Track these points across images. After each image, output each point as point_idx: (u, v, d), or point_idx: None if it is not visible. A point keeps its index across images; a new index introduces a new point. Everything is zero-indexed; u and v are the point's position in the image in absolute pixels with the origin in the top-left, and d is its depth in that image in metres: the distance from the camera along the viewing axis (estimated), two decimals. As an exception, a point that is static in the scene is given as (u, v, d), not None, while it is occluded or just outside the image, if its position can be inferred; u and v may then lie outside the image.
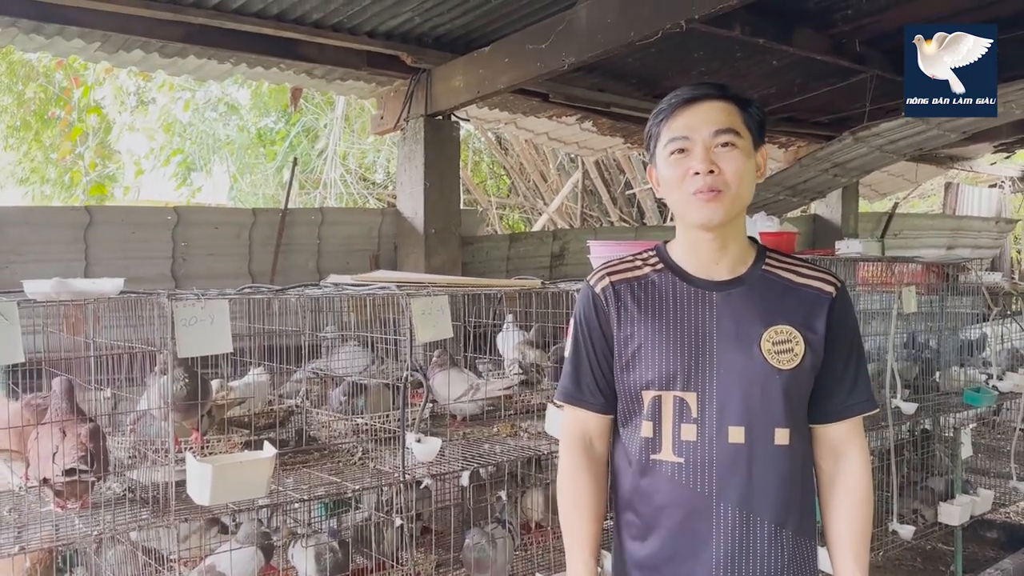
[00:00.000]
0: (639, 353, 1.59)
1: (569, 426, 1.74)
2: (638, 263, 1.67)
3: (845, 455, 1.63)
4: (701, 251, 1.61)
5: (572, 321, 1.74)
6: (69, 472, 2.12)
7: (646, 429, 1.59)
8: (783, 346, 1.53)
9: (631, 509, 1.65)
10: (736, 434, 1.53)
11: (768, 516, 1.54)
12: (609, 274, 1.66)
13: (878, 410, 1.66)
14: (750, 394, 1.53)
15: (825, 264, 3.64)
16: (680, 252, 1.64)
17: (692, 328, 1.57)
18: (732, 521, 1.53)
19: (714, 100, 1.57)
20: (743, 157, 1.54)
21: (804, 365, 1.54)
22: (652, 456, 1.58)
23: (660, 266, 1.64)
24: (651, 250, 1.69)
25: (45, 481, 2.18)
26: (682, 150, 1.55)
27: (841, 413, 1.61)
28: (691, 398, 1.55)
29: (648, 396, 1.59)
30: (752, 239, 1.67)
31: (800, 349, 1.54)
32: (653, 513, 1.60)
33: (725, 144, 1.53)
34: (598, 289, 1.65)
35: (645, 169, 8.33)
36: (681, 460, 1.55)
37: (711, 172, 1.51)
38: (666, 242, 1.69)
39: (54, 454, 2.14)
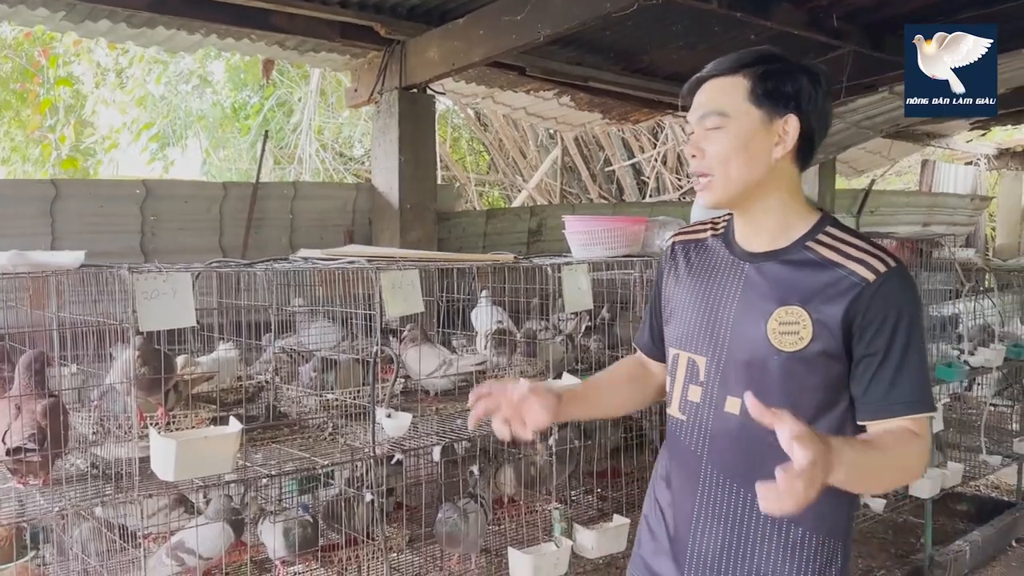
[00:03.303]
0: (674, 312, 1.69)
1: None
2: (708, 227, 1.73)
3: None
4: (741, 223, 1.63)
5: None
6: (16, 451, 2.08)
7: (667, 383, 1.70)
8: (789, 327, 1.48)
9: (662, 447, 1.78)
10: (732, 405, 1.54)
11: (753, 491, 1.48)
12: (679, 234, 1.77)
13: (932, 414, 1.49)
14: (751, 369, 1.52)
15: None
16: (736, 221, 1.67)
17: (718, 294, 1.60)
18: (716, 486, 1.58)
19: (715, 79, 1.56)
20: (730, 138, 1.51)
21: (810, 351, 1.46)
22: (668, 409, 1.69)
23: (721, 231, 1.69)
24: (727, 216, 1.70)
25: (-4, 458, 2.14)
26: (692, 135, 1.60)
27: (877, 412, 1.47)
28: (701, 362, 1.59)
29: (671, 353, 1.68)
30: (821, 210, 1.61)
31: (807, 333, 1.47)
32: (665, 457, 1.74)
33: (711, 127, 1.54)
34: (666, 247, 1.79)
35: (624, 145, 8.32)
36: (684, 418, 1.63)
37: (694, 156, 1.55)
38: None
39: (5, 432, 2.09)
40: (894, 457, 1.42)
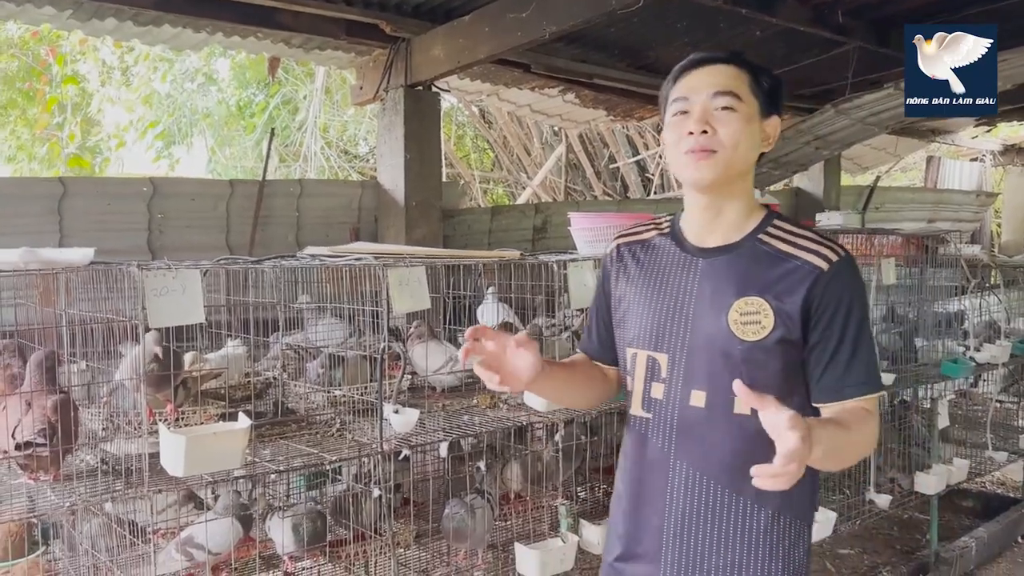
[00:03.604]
0: (628, 312, 1.68)
1: None
2: (651, 227, 1.73)
3: None
4: (697, 216, 1.63)
5: None
6: (25, 445, 2.10)
7: (628, 383, 1.69)
8: (750, 317, 1.52)
9: (623, 452, 1.75)
10: (698, 398, 1.56)
11: (723, 482, 1.56)
12: (621, 236, 1.76)
13: (880, 394, 1.57)
14: (714, 362, 1.55)
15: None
16: (685, 218, 1.68)
17: (674, 292, 1.61)
18: (686, 480, 1.58)
19: (721, 64, 1.58)
20: (741, 121, 1.54)
21: (771, 339, 1.51)
22: (630, 409, 1.68)
23: (667, 230, 1.70)
24: (670, 216, 1.73)
25: (5, 453, 2.16)
26: (684, 112, 1.57)
27: (834, 395, 1.53)
28: (663, 359, 1.60)
29: (629, 353, 1.67)
30: (765, 206, 1.66)
31: (768, 322, 1.51)
32: (629, 459, 1.70)
33: (724, 107, 1.54)
34: (609, 250, 1.77)
35: (629, 142, 8.35)
36: (649, 416, 1.63)
37: (704, 132, 1.53)
38: (683, 210, 1.72)
39: (16, 427, 2.11)
40: (855, 435, 1.48)
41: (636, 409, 1.66)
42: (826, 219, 4.06)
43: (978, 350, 4.49)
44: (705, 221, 1.62)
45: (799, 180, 8.58)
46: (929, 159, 12.07)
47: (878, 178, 10.16)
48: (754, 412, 1.50)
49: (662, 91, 1.66)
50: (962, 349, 4.50)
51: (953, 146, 10.80)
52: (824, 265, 1.52)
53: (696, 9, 4.95)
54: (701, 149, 1.53)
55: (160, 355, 2.39)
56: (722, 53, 1.60)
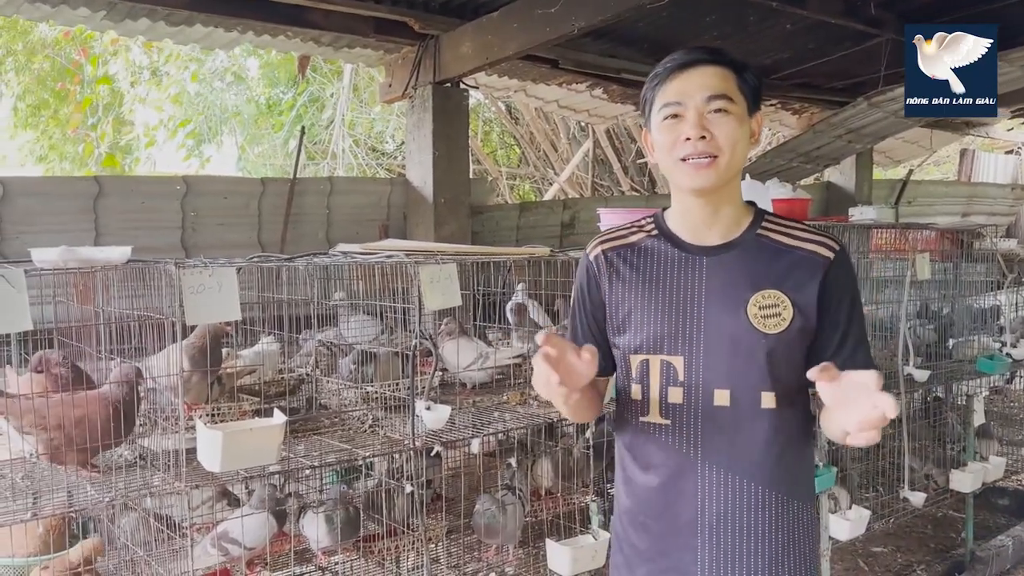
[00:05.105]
0: (629, 318, 1.62)
1: None
2: (634, 230, 1.69)
3: None
4: (693, 216, 1.61)
5: (573, 289, 1.78)
6: None
7: (635, 392, 1.62)
8: (770, 310, 1.52)
9: (624, 467, 1.69)
10: (721, 397, 1.54)
11: (754, 479, 1.55)
12: (603, 242, 1.70)
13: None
14: (735, 358, 1.53)
15: (838, 231, 3.61)
16: (675, 218, 1.65)
17: (681, 293, 1.58)
18: (717, 482, 1.56)
19: (708, 65, 1.56)
20: (736, 122, 1.53)
21: (792, 330, 1.52)
22: (641, 418, 1.62)
23: (655, 232, 1.66)
24: (649, 217, 1.70)
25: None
26: (675, 115, 1.54)
27: None
28: (678, 362, 1.57)
29: (636, 360, 1.61)
30: (750, 203, 1.66)
31: (788, 314, 1.52)
32: (644, 471, 1.64)
33: (718, 110, 1.52)
34: (592, 257, 1.69)
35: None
36: (668, 422, 1.58)
37: (703, 138, 1.51)
38: (664, 209, 1.69)
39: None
40: None
41: (653, 416, 1.60)
42: (859, 213, 4.00)
43: (1014, 346, 4.42)
44: (702, 222, 1.60)
45: (830, 174, 8.48)
46: (963, 152, 11.89)
47: (911, 172, 10.02)
48: (780, 406, 1.54)
49: (645, 92, 1.62)
50: (998, 345, 4.43)
51: (987, 139, 10.64)
52: (830, 255, 1.56)
53: (726, 2, 4.91)
54: (700, 155, 1.52)
55: (230, 331, 2.43)
56: (706, 53, 1.57)
